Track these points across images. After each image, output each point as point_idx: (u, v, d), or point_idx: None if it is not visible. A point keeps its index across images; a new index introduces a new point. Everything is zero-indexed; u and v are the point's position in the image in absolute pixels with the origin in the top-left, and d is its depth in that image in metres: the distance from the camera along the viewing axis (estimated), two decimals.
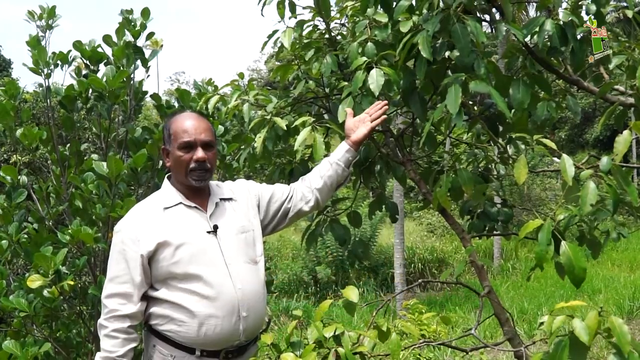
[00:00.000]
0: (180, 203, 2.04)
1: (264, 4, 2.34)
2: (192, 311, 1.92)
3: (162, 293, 1.95)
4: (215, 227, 2.03)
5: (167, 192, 2.08)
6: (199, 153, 2.01)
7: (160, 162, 3.23)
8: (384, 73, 2.00)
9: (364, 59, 2.06)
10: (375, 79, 1.99)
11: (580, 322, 1.29)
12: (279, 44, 2.38)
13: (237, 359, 2.02)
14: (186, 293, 1.94)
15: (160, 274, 1.95)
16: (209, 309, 1.93)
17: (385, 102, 2.18)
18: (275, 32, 2.38)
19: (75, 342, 3.14)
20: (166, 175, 2.14)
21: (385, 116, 2.19)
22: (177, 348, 1.95)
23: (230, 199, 2.16)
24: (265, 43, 2.45)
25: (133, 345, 1.93)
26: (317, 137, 2.21)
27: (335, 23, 2.49)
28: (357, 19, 2.29)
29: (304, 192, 2.28)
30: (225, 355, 1.99)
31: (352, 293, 1.67)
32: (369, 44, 2.10)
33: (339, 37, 2.48)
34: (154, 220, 1.98)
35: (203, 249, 1.98)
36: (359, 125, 2.21)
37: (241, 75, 2.60)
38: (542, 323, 1.38)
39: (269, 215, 2.26)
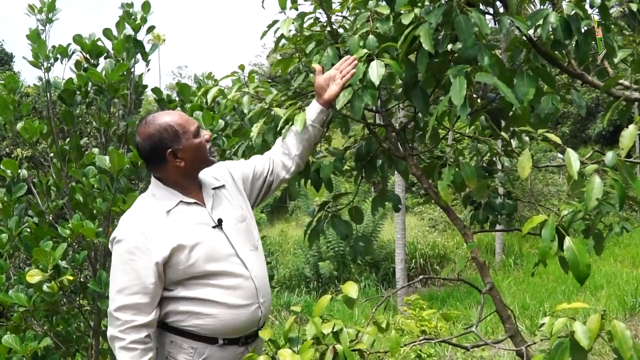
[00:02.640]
0: (180, 202, 2.01)
1: None
2: (221, 302, 1.94)
3: (179, 292, 1.94)
4: (220, 221, 2.03)
5: (162, 193, 2.03)
6: (207, 132, 2.08)
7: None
8: (385, 64, 1.97)
9: (365, 50, 2.04)
10: (376, 70, 1.97)
11: (581, 326, 1.28)
12: (278, 34, 2.35)
13: (253, 343, 2.07)
14: (210, 287, 1.94)
15: (176, 276, 1.93)
16: (235, 299, 1.96)
17: (355, 56, 2.12)
18: (275, 22, 2.35)
19: (75, 337, 3.13)
20: (153, 177, 2.07)
21: (354, 71, 2.11)
22: (198, 340, 1.95)
23: (220, 187, 2.15)
24: (265, 32, 2.41)
25: (151, 354, 1.89)
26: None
27: (337, 15, 2.46)
28: (359, 11, 2.27)
29: (283, 160, 2.28)
30: (244, 340, 2.02)
31: (351, 289, 1.66)
32: (371, 36, 2.08)
33: (340, 30, 2.45)
34: (160, 226, 1.94)
35: (214, 246, 1.98)
36: (330, 83, 2.17)
37: (242, 67, 2.56)
38: (543, 324, 1.36)
39: (254, 193, 2.29)
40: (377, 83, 1.96)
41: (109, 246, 2.01)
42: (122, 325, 1.86)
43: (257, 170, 2.27)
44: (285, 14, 2.33)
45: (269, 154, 2.32)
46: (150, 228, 1.93)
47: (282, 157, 2.28)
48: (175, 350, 1.95)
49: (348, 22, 2.47)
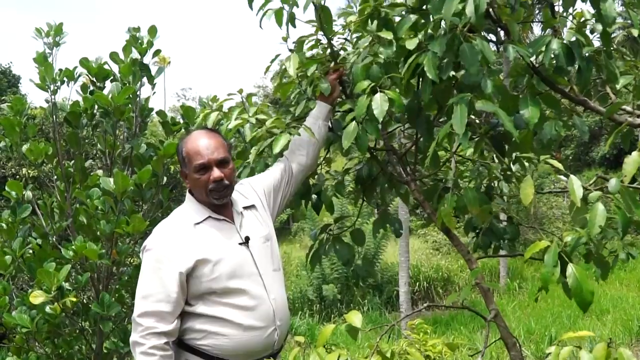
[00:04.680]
0: (209, 217, 2.05)
1: (263, 16, 2.23)
2: (236, 323, 1.94)
3: (199, 308, 1.96)
4: (247, 239, 2.05)
5: (193, 207, 2.08)
6: (215, 173, 2.02)
7: (165, 178, 3.23)
8: (388, 98, 1.99)
9: (368, 82, 2.05)
10: (380, 105, 1.98)
11: (587, 355, 1.26)
12: (282, 67, 2.36)
13: None
14: (228, 307, 1.96)
15: (198, 289, 1.95)
16: (250, 321, 1.96)
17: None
18: (277, 56, 2.38)
19: (76, 359, 3.11)
20: (187, 191, 2.13)
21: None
22: None
23: (250, 207, 2.19)
24: (268, 68, 2.47)
25: None
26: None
27: (339, 37, 2.47)
28: (361, 34, 2.29)
29: (299, 162, 2.36)
30: None
31: (355, 318, 1.65)
32: (374, 66, 2.09)
33: (342, 52, 2.46)
34: (187, 237, 1.98)
35: (239, 263, 2.00)
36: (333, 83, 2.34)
37: (240, 91, 2.58)
38: (549, 354, 1.35)
39: (277, 203, 2.34)
40: (380, 119, 1.98)
41: (140, 254, 2.06)
42: (144, 331, 1.88)
43: (276, 182, 2.32)
44: (287, 47, 2.34)
45: (284, 160, 2.37)
46: (177, 238, 1.98)
47: (297, 158, 2.36)
48: None
49: (349, 43, 2.48)
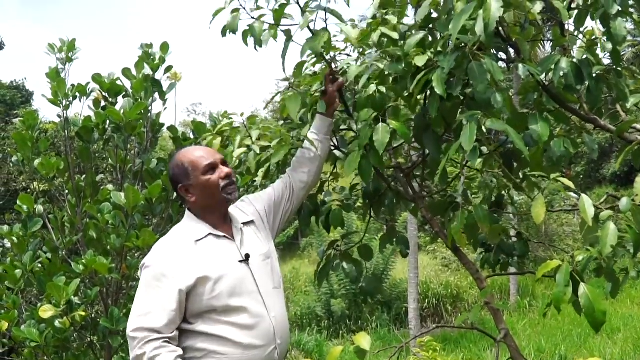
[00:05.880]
0: (210, 234, 2.04)
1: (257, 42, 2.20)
2: (236, 342, 1.92)
3: (199, 327, 1.94)
4: (247, 256, 2.04)
5: (193, 224, 2.07)
6: (225, 169, 2.06)
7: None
8: (390, 128, 1.99)
9: (371, 111, 2.06)
10: (381, 136, 1.99)
11: None
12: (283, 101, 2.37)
13: None
14: (228, 325, 1.93)
15: (199, 308, 1.93)
16: (250, 339, 1.94)
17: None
18: (278, 93, 2.39)
19: None
20: (186, 209, 2.13)
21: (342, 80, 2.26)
22: None
23: (249, 223, 2.18)
24: (268, 103, 2.50)
25: (179, 353, 1.87)
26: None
27: (341, 53, 2.47)
28: (363, 50, 2.29)
29: (300, 178, 2.33)
30: None
31: (363, 340, 1.65)
32: (377, 95, 2.09)
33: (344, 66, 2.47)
34: (187, 254, 1.97)
35: (240, 280, 1.99)
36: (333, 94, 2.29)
37: (241, 115, 2.61)
38: None
39: (277, 219, 2.32)
40: (381, 151, 1.99)
41: (139, 272, 2.04)
42: (139, 342, 1.85)
43: (277, 198, 2.31)
44: (289, 83, 2.36)
45: (286, 177, 2.36)
46: (177, 255, 1.96)
47: (299, 175, 2.33)
48: None
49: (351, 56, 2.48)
